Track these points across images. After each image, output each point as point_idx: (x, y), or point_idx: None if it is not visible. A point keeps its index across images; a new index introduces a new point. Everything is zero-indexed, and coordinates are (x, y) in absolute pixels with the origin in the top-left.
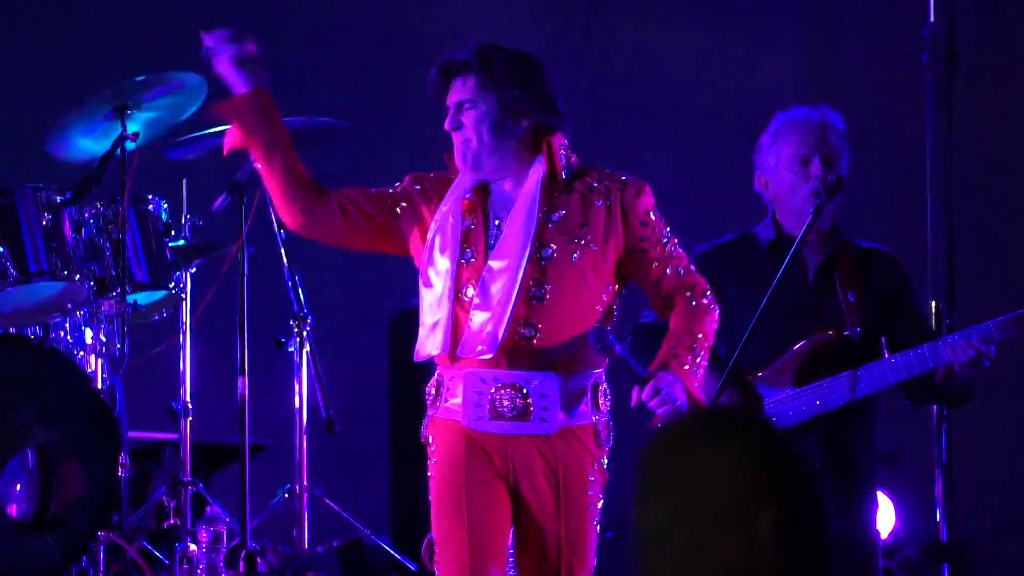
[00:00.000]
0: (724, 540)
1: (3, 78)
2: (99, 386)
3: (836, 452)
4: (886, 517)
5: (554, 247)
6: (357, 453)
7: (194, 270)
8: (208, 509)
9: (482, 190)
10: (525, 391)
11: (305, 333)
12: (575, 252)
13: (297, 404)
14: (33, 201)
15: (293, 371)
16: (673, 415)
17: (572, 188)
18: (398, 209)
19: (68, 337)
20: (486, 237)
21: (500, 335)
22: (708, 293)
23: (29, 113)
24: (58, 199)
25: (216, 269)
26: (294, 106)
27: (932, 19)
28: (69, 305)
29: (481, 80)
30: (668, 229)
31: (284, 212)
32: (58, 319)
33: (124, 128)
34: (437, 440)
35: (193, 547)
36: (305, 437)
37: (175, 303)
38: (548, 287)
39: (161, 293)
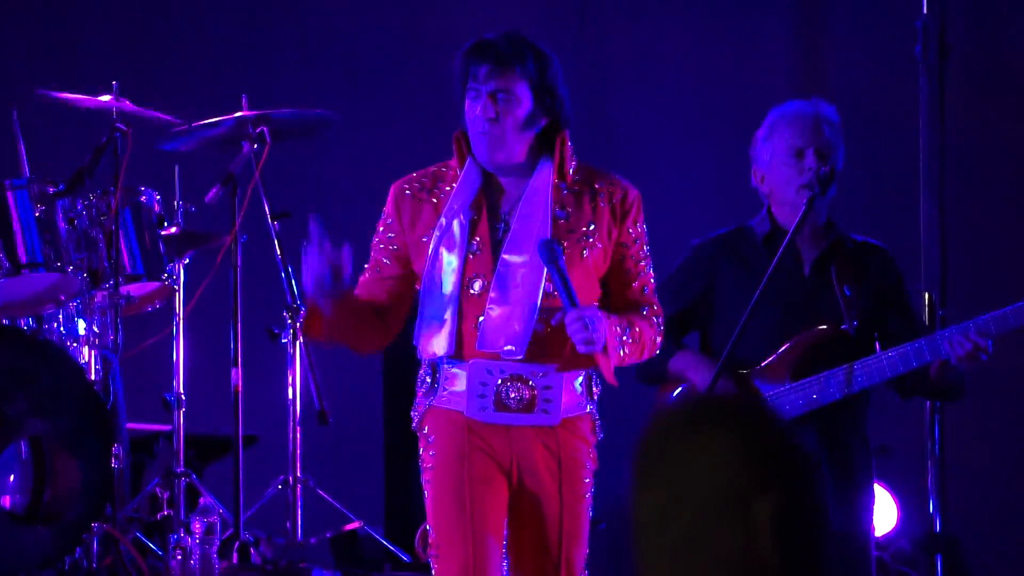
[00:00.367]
0: (721, 528)
1: None
2: (92, 378)
3: (832, 445)
4: (888, 513)
5: (565, 244)
6: (350, 444)
7: (187, 261)
8: (201, 500)
9: (485, 183)
10: (531, 383)
11: (298, 324)
12: (584, 250)
13: (290, 395)
14: (26, 193)
15: (286, 362)
16: (586, 345)
17: (575, 187)
18: (405, 256)
19: (61, 329)
20: (492, 230)
21: (529, 332)
22: (662, 320)
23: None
24: (51, 190)
25: (209, 260)
26: (287, 98)
27: (924, 11)
28: (62, 297)
29: (522, 73)
30: (647, 248)
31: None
32: (51, 311)
33: (115, 119)
34: (436, 430)
35: (187, 538)
36: (299, 428)
37: (168, 294)
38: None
39: (154, 284)
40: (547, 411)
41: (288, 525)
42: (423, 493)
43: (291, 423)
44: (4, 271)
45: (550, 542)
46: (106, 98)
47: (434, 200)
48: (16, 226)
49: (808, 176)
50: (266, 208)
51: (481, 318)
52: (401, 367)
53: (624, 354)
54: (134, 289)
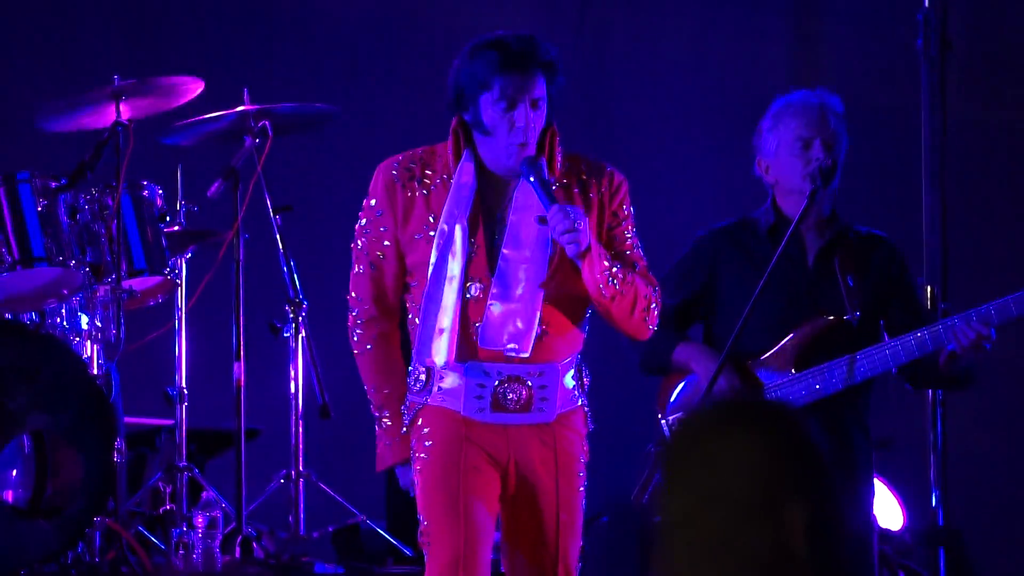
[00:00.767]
0: (753, 531)
1: None
2: (95, 372)
3: (833, 436)
4: (892, 509)
5: (557, 242)
6: (352, 438)
7: (189, 256)
8: (204, 494)
9: (478, 181)
10: (529, 383)
11: (300, 319)
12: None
13: (293, 390)
14: (29, 187)
15: (288, 357)
16: (571, 241)
17: (564, 180)
18: (399, 250)
19: (64, 323)
20: (489, 231)
21: (533, 332)
22: (658, 291)
23: (20, 99)
24: (53, 185)
25: (212, 255)
26: (289, 92)
27: (926, 4)
28: (65, 291)
29: (546, 80)
30: (635, 229)
31: None
32: (54, 305)
33: (119, 114)
34: (430, 424)
35: (189, 532)
36: (301, 422)
37: (171, 289)
38: (554, 281)
39: (156, 279)
40: (543, 409)
41: (290, 519)
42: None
43: (293, 417)
44: (7, 265)
45: (547, 535)
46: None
47: (424, 192)
48: (20, 220)
49: (815, 166)
50: (268, 202)
51: (478, 323)
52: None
53: (612, 283)
54: (136, 283)
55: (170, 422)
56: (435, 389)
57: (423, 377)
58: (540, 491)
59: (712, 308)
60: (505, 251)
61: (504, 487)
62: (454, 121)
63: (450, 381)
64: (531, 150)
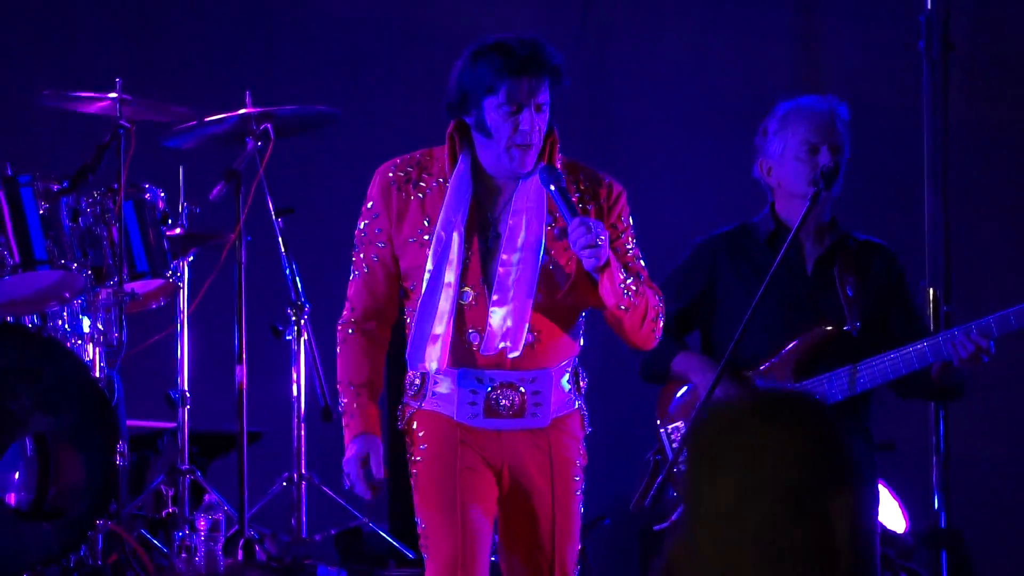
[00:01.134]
0: (796, 524)
1: None
2: (97, 374)
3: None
4: (896, 513)
5: (552, 252)
6: None
7: (191, 259)
8: (206, 497)
9: (474, 185)
10: (522, 389)
11: (302, 321)
12: (571, 258)
13: (295, 392)
14: (31, 190)
15: (290, 359)
16: (591, 256)
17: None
18: (393, 253)
19: (66, 326)
20: (483, 237)
21: (524, 331)
22: (662, 301)
23: (22, 101)
24: (55, 188)
25: (214, 257)
26: (287, 94)
27: (928, 6)
28: (67, 294)
29: (551, 84)
30: (635, 240)
31: None
32: (55, 308)
33: (120, 116)
34: (424, 427)
35: (192, 535)
36: (303, 425)
37: (173, 292)
38: (545, 290)
39: (158, 282)
40: (536, 414)
41: (293, 522)
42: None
43: (295, 420)
44: (8, 268)
45: (543, 539)
46: (112, 95)
47: (419, 195)
48: (22, 223)
49: (818, 172)
50: (270, 205)
51: (471, 330)
52: (404, 363)
53: (628, 296)
54: (138, 286)
55: (172, 425)
56: (429, 394)
57: (417, 382)
58: (535, 495)
59: (710, 315)
60: (503, 257)
61: (500, 490)
62: (451, 125)
63: (444, 387)
64: (534, 155)
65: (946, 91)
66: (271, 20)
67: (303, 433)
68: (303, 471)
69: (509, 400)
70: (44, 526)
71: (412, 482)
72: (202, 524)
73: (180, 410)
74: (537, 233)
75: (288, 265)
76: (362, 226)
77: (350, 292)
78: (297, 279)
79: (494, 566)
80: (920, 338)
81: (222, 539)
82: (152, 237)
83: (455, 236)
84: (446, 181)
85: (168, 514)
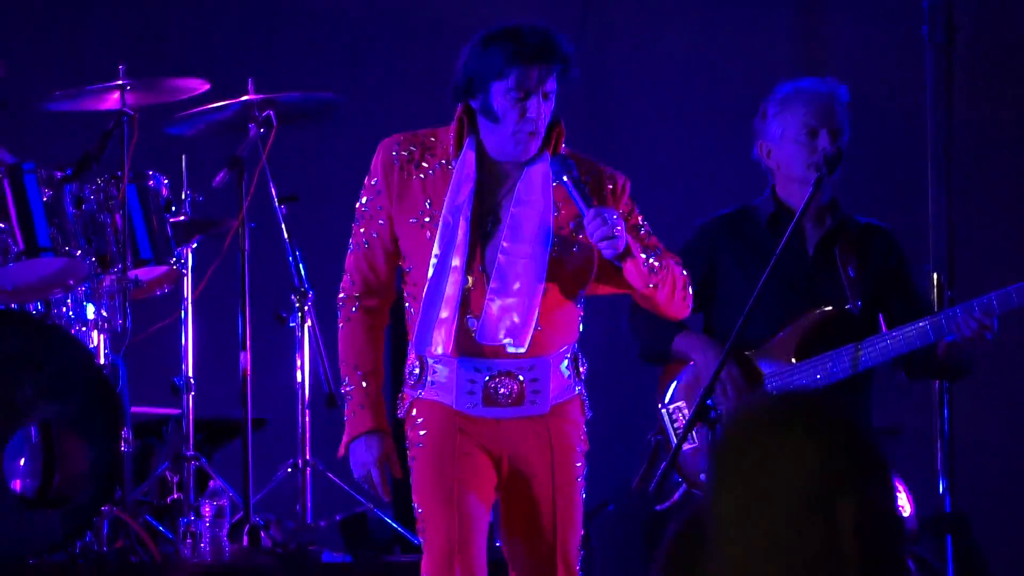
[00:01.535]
0: (806, 528)
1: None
2: (101, 361)
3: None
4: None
5: (555, 243)
6: None
7: (195, 246)
8: (211, 484)
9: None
10: (520, 377)
11: (306, 308)
12: (574, 247)
13: (299, 379)
14: (34, 177)
15: (295, 346)
16: (609, 246)
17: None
18: (392, 230)
19: (70, 313)
20: (482, 223)
21: (531, 328)
22: (688, 274)
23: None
24: (58, 175)
25: (217, 244)
26: (293, 81)
27: None
28: (71, 281)
29: (559, 72)
30: (645, 220)
31: None
32: (60, 295)
33: (124, 103)
34: (423, 414)
35: (197, 521)
36: (307, 411)
37: (176, 278)
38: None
39: (162, 269)
40: (536, 401)
41: (298, 508)
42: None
43: (299, 406)
44: (12, 255)
45: (544, 527)
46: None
47: (422, 176)
48: (25, 210)
49: (820, 155)
50: (273, 192)
51: (470, 316)
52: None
53: (654, 273)
54: (142, 273)
55: (177, 412)
56: (428, 383)
57: (417, 371)
58: (535, 483)
59: (711, 297)
60: (504, 244)
61: (499, 478)
62: (459, 108)
63: (442, 375)
64: (538, 141)
65: (950, 76)
66: (274, 7)
67: (307, 420)
68: (307, 457)
69: (507, 388)
70: (49, 513)
71: (411, 469)
72: (207, 510)
73: (184, 397)
74: (545, 225)
75: (291, 252)
76: (364, 200)
77: (348, 265)
78: (300, 266)
79: (496, 551)
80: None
81: (227, 525)
82: (156, 224)
83: (461, 221)
84: (449, 163)
85: (173, 501)
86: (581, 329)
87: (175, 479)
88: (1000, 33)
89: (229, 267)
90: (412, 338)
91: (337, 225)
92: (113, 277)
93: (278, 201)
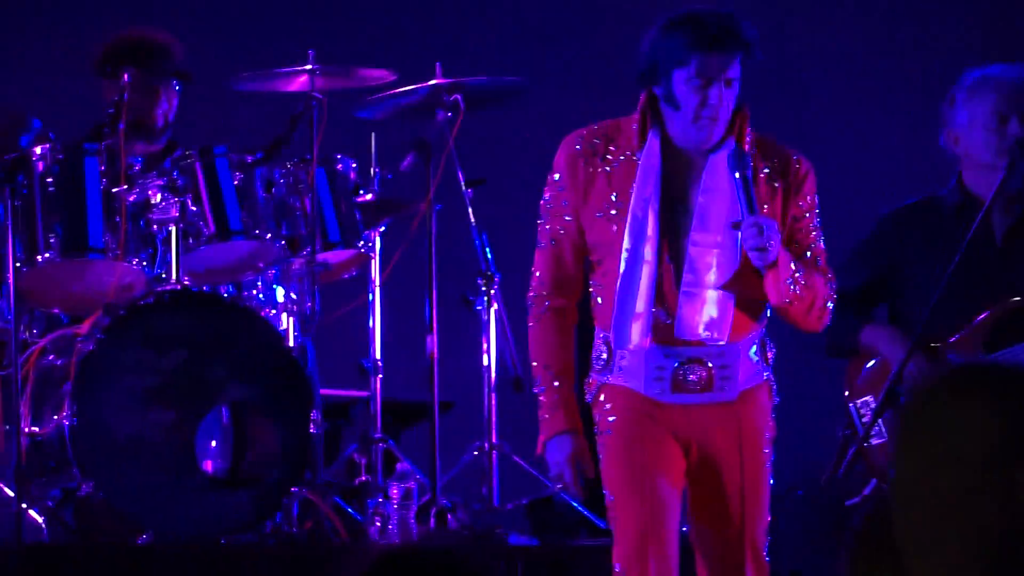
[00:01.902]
0: (982, 497)
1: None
2: (291, 344)
3: None
4: None
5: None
6: None
7: (383, 229)
8: (398, 466)
9: (664, 159)
10: (709, 364)
11: (493, 291)
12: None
13: (485, 362)
14: (226, 161)
15: (481, 329)
16: (759, 257)
17: (752, 164)
18: (579, 225)
19: (260, 295)
20: (674, 212)
21: (730, 320)
22: (835, 287)
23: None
24: (249, 159)
25: (404, 228)
26: (478, 66)
27: None
28: (261, 264)
29: (742, 58)
30: (819, 220)
31: None
32: (250, 277)
33: (313, 87)
34: (612, 399)
35: (385, 503)
36: (494, 395)
37: (364, 262)
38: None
39: (351, 252)
40: (724, 388)
41: (484, 491)
42: (602, 462)
43: (486, 390)
44: (204, 238)
45: (732, 512)
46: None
47: (607, 168)
48: (217, 194)
49: (1011, 141)
50: (460, 176)
51: (659, 307)
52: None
53: (794, 290)
54: (331, 256)
55: (365, 394)
56: (616, 368)
57: (604, 356)
58: (723, 468)
59: (897, 289)
60: (695, 236)
61: (688, 463)
62: (643, 96)
63: (631, 361)
64: (721, 128)
65: None
66: None
67: (494, 403)
68: (494, 440)
69: (697, 375)
70: (240, 493)
71: (600, 455)
72: (395, 492)
73: (372, 379)
74: (732, 213)
75: (478, 236)
76: (548, 197)
77: (537, 263)
78: (487, 249)
79: (684, 537)
80: None
81: (415, 507)
82: (344, 208)
83: (650, 213)
84: (634, 154)
85: (361, 482)
86: (769, 314)
87: (363, 461)
88: None
89: (416, 251)
90: (598, 323)
91: (524, 209)
92: (302, 260)
93: (465, 185)
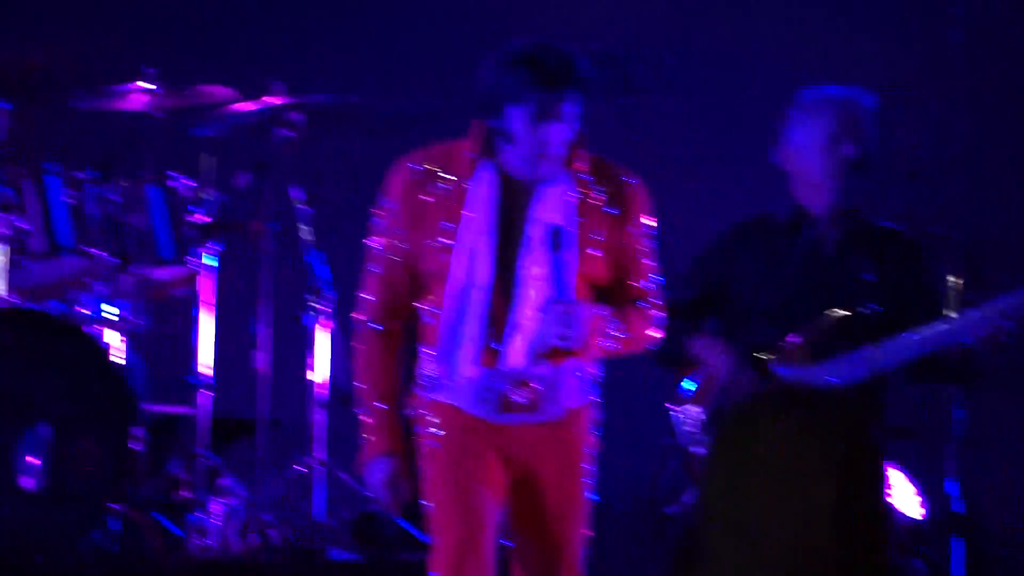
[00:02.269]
0: (783, 513)
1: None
2: (115, 360)
3: (849, 429)
4: (912, 499)
5: (566, 256)
6: None
7: (215, 247)
8: (220, 481)
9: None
10: (535, 386)
11: (320, 308)
12: (587, 262)
13: (311, 378)
14: (58, 179)
15: (308, 345)
16: (561, 340)
17: (581, 190)
18: (412, 256)
19: (88, 312)
20: (507, 240)
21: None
22: (660, 314)
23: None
24: (81, 176)
25: (238, 246)
26: (319, 84)
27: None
28: (89, 280)
29: (581, 94)
30: (650, 241)
31: None
32: (79, 294)
33: (150, 105)
34: (438, 417)
35: (206, 519)
36: (321, 411)
37: (195, 279)
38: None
39: (181, 269)
40: (549, 409)
41: (307, 507)
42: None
43: (312, 406)
44: (34, 255)
45: (551, 529)
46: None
47: (441, 196)
48: (47, 210)
49: (842, 164)
50: (295, 194)
51: (492, 336)
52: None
53: (611, 347)
54: (161, 273)
55: (191, 410)
56: (442, 387)
57: (431, 373)
58: (544, 486)
59: (726, 300)
60: (524, 264)
61: (510, 479)
62: (475, 126)
63: (457, 382)
64: (552, 165)
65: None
66: (302, 9)
67: (321, 419)
68: (319, 456)
69: (524, 397)
70: (59, 509)
71: (422, 467)
72: (217, 508)
73: (198, 395)
74: (562, 246)
75: (311, 254)
76: (380, 221)
77: (367, 286)
78: (320, 267)
79: (502, 551)
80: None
81: (237, 523)
82: (176, 225)
83: (483, 243)
84: (464, 182)
85: (183, 498)
86: None
87: (186, 477)
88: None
89: (246, 268)
90: (425, 340)
91: (359, 228)
92: (132, 278)
93: (301, 203)
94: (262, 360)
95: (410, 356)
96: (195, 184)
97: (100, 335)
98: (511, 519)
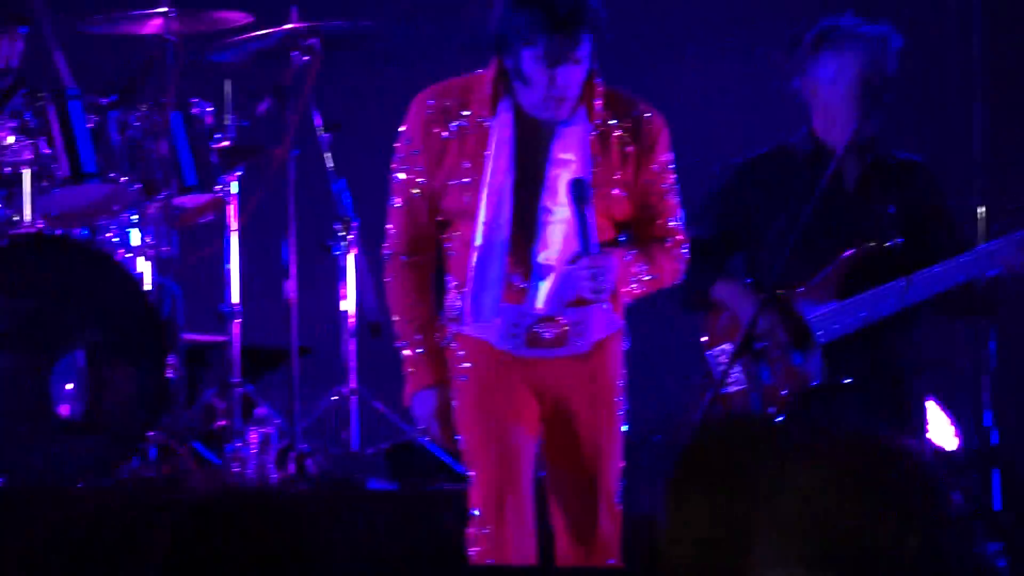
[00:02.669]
0: (748, 540)
1: None
2: (147, 287)
3: (881, 365)
4: (947, 431)
5: (591, 195)
6: None
7: (240, 174)
8: (257, 411)
9: (518, 127)
10: (562, 321)
11: (351, 236)
12: (609, 202)
13: (343, 308)
14: (79, 103)
15: (339, 274)
16: (592, 294)
17: (601, 128)
18: (433, 191)
19: (115, 239)
20: (527, 180)
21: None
22: (686, 249)
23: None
24: (103, 102)
25: (262, 173)
26: (335, 9)
27: None
28: (116, 207)
29: (589, 35)
30: (673, 177)
31: None
32: (105, 221)
33: (167, 30)
34: (467, 350)
35: (244, 448)
36: (353, 340)
37: (221, 207)
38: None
39: (207, 196)
40: (578, 342)
41: (344, 436)
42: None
43: (345, 335)
44: (58, 181)
45: (585, 460)
46: (163, 10)
47: (459, 134)
48: (71, 137)
49: (868, 100)
50: (317, 120)
51: (516, 275)
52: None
53: (639, 289)
54: (187, 201)
55: (223, 339)
56: (471, 321)
57: (459, 305)
58: (576, 417)
59: (750, 239)
60: (547, 205)
61: (542, 412)
62: (494, 63)
63: (485, 316)
64: (571, 104)
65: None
66: None
67: (353, 349)
68: (353, 386)
69: (551, 333)
70: (96, 437)
71: (454, 400)
72: (253, 437)
73: (230, 324)
74: (591, 194)
75: (336, 180)
76: (400, 153)
77: (391, 220)
78: (345, 194)
79: (540, 482)
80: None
81: (274, 452)
82: (200, 152)
83: (504, 183)
84: (485, 120)
85: (219, 427)
86: None
87: (222, 406)
88: None
89: (274, 195)
90: (452, 273)
91: (381, 154)
92: (158, 204)
93: (322, 129)
94: (292, 288)
95: (439, 287)
96: (215, 111)
97: (129, 263)
98: (545, 451)
